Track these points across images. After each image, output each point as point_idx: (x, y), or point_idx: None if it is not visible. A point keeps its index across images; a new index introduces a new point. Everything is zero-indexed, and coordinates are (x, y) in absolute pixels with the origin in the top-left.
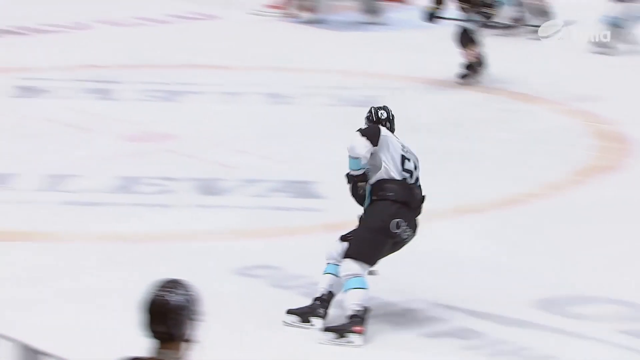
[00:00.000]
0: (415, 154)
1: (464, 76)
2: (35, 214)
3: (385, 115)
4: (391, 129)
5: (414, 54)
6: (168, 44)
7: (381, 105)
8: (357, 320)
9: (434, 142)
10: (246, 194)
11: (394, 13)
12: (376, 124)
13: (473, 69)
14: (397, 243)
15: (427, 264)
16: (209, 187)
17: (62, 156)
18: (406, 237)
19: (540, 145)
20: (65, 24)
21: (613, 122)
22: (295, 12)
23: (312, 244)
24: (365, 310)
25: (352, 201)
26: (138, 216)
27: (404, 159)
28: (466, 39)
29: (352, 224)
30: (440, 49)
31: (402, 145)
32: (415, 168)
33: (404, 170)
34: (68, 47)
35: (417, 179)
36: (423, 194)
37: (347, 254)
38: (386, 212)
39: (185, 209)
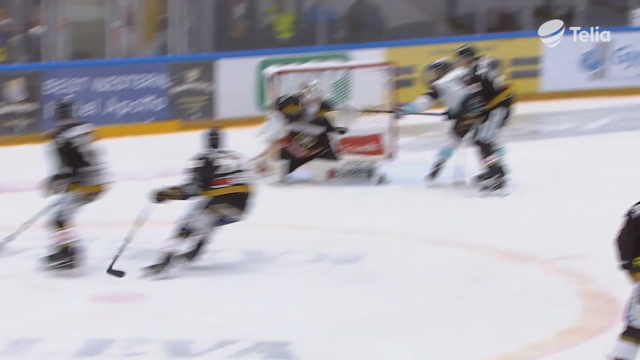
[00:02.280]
0: None
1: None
2: None
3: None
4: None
5: (397, 211)
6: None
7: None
8: None
9: (417, 300)
10: (219, 356)
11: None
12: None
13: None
14: None
15: None
16: (180, 349)
17: (28, 319)
18: None
19: (525, 305)
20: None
21: (599, 282)
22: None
23: None
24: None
25: None
26: None
27: None
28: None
29: None
30: (424, 204)
31: None
32: None
33: None
34: (40, 205)
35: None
36: None
37: None
38: None
39: None
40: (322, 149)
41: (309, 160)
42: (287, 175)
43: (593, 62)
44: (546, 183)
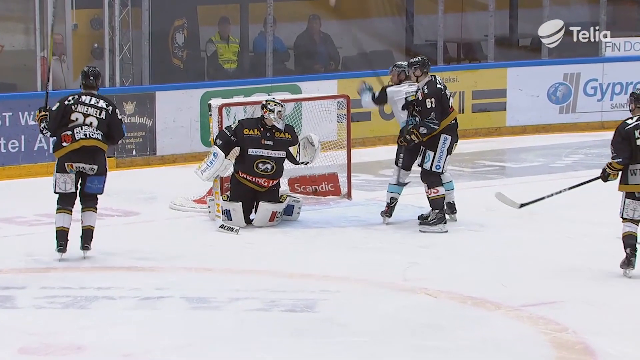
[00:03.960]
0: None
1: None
2: None
3: None
4: None
5: (353, 254)
6: (79, 244)
7: None
8: None
9: (377, 352)
10: None
11: (329, 208)
12: None
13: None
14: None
15: None
16: None
17: None
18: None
19: (495, 356)
20: None
21: (573, 330)
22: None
23: None
24: None
25: None
26: None
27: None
28: None
29: None
30: (381, 247)
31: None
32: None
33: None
34: None
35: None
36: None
37: None
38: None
39: None
40: (276, 183)
41: (260, 197)
42: (241, 218)
43: (561, 94)
44: (512, 224)
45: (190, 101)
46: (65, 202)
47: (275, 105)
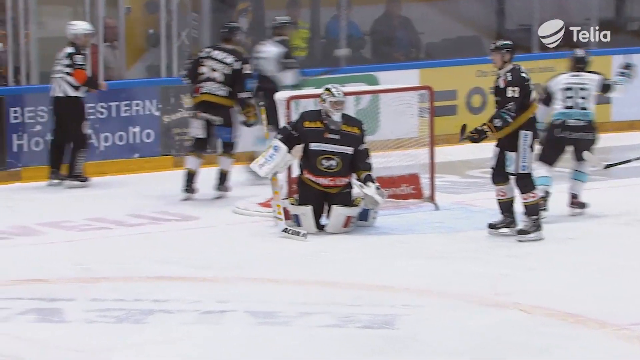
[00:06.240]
0: None
1: None
2: None
3: None
4: None
5: (436, 264)
6: (133, 252)
7: None
8: None
9: None
10: None
11: (410, 213)
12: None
13: None
14: None
15: None
16: None
17: None
18: None
19: None
20: (6, 230)
21: None
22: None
23: None
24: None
25: None
26: None
27: None
28: None
29: None
30: (468, 257)
31: None
32: None
33: None
34: (7, 256)
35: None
36: None
37: None
38: None
39: None
40: (347, 184)
41: (332, 200)
42: (311, 224)
43: None
44: (619, 231)
45: None
46: (196, 146)
47: (328, 94)
